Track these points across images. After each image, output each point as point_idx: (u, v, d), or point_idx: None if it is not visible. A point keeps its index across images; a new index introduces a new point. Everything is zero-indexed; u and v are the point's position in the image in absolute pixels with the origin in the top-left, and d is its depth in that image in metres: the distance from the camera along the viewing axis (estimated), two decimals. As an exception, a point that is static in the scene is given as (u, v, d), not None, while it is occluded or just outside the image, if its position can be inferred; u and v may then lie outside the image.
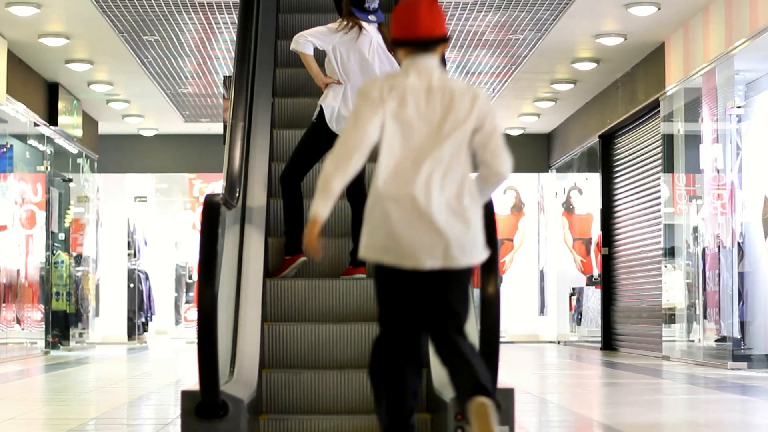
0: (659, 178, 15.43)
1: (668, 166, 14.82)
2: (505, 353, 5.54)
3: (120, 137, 21.59)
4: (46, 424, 7.59)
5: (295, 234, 7.21)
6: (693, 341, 13.87)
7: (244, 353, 6.40)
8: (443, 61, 4.94)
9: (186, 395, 5.51)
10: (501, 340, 5.66)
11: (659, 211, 15.51)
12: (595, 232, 18.84)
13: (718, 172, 12.99)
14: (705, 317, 13.33)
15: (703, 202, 13.61)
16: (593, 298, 18.93)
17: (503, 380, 5.75)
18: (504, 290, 20.76)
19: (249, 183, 7.50)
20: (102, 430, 7.24)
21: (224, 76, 15.24)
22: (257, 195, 7.48)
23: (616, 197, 18.02)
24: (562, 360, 16.06)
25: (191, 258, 24.11)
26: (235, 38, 10.13)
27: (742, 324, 12.69)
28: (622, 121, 16.99)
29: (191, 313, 23.73)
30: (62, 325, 17.60)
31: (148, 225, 23.10)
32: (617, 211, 18.00)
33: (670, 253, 14.92)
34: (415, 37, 4.39)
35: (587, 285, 19.48)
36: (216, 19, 13.70)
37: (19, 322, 15.28)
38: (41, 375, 12.48)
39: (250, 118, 7.92)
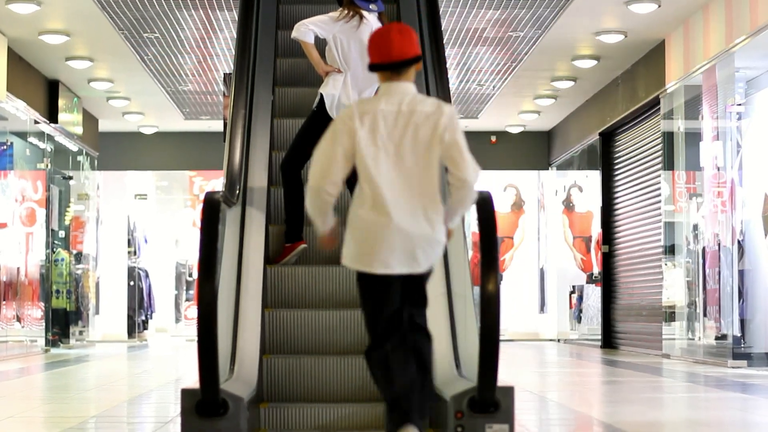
0: (659, 176, 15.42)
1: (668, 164, 14.82)
2: (505, 351, 5.54)
3: (120, 135, 21.59)
4: (46, 422, 7.59)
5: (296, 221, 7.25)
6: (693, 339, 13.87)
7: (245, 352, 6.40)
8: (422, 63, 5.34)
9: (186, 393, 5.51)
10: (501, 338, 5.65)
11: (659, 208, 15.50)
12: (596, 230, 18.84)
13: (718, 169, 12.99)
14: (705, 315, 13.33)
15: (703, 200, 13.61)
16: (593, 296, 18.93)
17: (503, 378, 5.74)
18: (504, 288, 20.76)
19: (250, 171, 7.55)
20: (102, 428, 7.24)
21: (224, 74, 15.24)
22: (258, 183, 7.52)
23: (617, 195, 18.02)
24: (562, 358, 16.06)
25: (191, 256, 24.10)
26: (235, 35, 10.13)
27: (742, 322, 12.69)
28: (622, 118, 16.99)
29: (191, 311, 23.73)
30: (62, 322, 17.60)
31: (148, 222, 23.10)
32: (617, 209, 18.00)
33: (670, 250, 14.91)
34: (389, 60, 4.80)
35: (587, 283, 19.48)
36: (216, 17, 13.69)
37: (19, 319, 15.28)
38: (41, 373, 12.48)
39: (251, 109, 7.95)
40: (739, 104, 12.86)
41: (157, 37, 14.61)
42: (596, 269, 18.83)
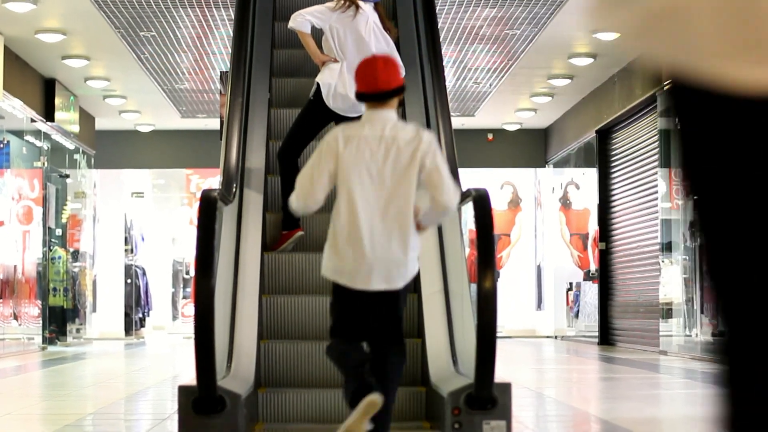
0: (656, 173, 15.44)
1: (665, 161, 14.83)
2: (502, 348, 5.55)
3: (117, 133, 21.59)
4: (43, 419, 7.60)
5: None
6: (690, 336, 13.88)
7: (242, 348, 6.41)
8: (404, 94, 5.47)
9: (183, 390, 5.52)
10: (498, 335, 5.67)
11: (656, 206, 15.52)
12: (592, 227, 18.85)
13: (714, 166, 13.00)
14: (702, 312, 13.34)
15: (699, 197, 13.61)
16: (590, 293, 18.95)
17: (500, 375, 5.75)
18: (501, 285, 20.77)
19: (247, 159, 7.60)
20: (99, 425, 7.25)
21: (221, 72, 15.25)
22: (255, 172, 7.58)
23: (613, 192, 18.03)
24: (560, 355, 16.08)
25: (188, 254, 24.10)
26: (231, 34, 10.14)
27: (739, 319, 12.69)
28: (619, 116, 17.00)
29: (188, 308, 23.73)
30: (59, 320, 17.60)
31: (145, 221, 23.10)
32: (614, 206, 18.01)
33: (667, 248, 14.92)
34: (376, 90, 5.08)
35: (584, 280, 19.49)
36: (213, 15, 13.69)
37: (16, 317, 15.28)
38: (39, 370, 12.49)
39: (247, 100, 7.99)
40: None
41: (154, 36, 14.61)
42: (593, 266, 18.84)
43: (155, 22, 13.91)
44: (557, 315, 21.09)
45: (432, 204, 5.02)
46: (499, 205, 22.15)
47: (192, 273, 20.69)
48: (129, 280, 21.14)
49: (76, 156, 18.94)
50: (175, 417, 5.72)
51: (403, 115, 8.36)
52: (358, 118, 6.20)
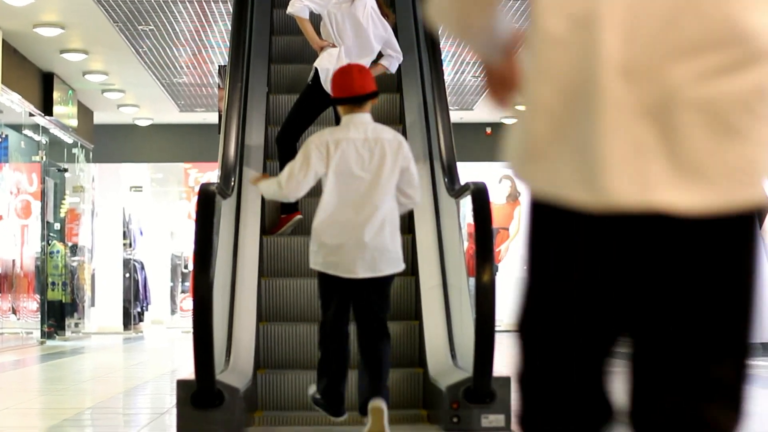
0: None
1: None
2: (501, 342, 5.54)
3: (115, 127, 21.57)
4: (42, 413, 7.60)
5: None
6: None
7: (240, 342, 6.41)
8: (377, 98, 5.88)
9: (182, 384, 5.52)
10: (497, 328, 5.66)
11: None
12: (591, 221, 18.84)
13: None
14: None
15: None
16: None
17: (499, 369, 5.75)
18: (500, 279, 20.75)
19: (246, 144, 7.63)
20: (98, 420, 7.25)
21: (219, 66, 15.23)
22: (254, 158, 7.62)
23: (612, 186, 18.03)
24: (558, 349, 16.07)
25: (187, 248, 24.08)
26: (230, 27, 10.14)
27: (738, 312, 12.71)
28: (617, 109, 16.99)
29: (187, 303, 23.73)
30: (58, 315, 17.59)
31: (143, 215, 23.08)
32: (613, 200, 18.01)
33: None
34: (352, 95, 5.56)
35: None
36: (211, 9, 13.68)
37: (14, 312, 15.28)
38: (37, 365, 12.48)
39: (246, 84, 8.01)
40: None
41: (152, 30, 14.60)
42: (592, 260, 18.84)
43: (154, 15, 13.89)
44: (556, 309, 21.09)
45: (405, 200, 5.56)
46: (497, 199, 22.15)
47: (190, 267, 20.70)
48: (127, 275, 21.13)
49: (75, 150, 18.92)
50: (174, 411, 5.73)
51: (401, 108, 8.36)
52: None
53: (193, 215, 5.83)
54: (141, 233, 22.42)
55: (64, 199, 18.35)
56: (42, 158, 16.80)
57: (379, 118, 8.46)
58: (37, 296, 16.37)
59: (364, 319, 5.54)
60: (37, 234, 16.54)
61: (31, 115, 16.30)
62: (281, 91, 8.54)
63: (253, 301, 6.72)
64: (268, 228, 7.43)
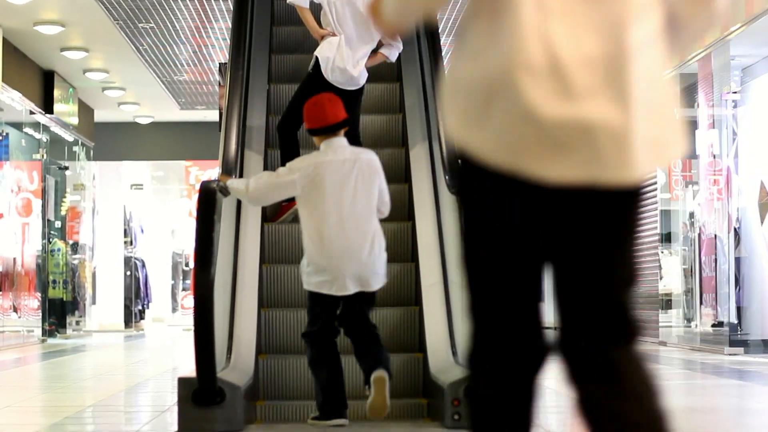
0: (655, 164, 15.42)
1: (664, 152, 14.80)
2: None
3: (116, 125, 21.57)
4: (43, 411, 7.60)
5: None
6: (690, 327, 13.88)
7: (241, 339, 6.41)
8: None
9: (183, 382, 5.52)
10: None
11: (656, 196, 15.51)
12: (592, 218, 18.82)
13: (714, 157, 12.99)
14: (702, 303, 13.34)
15: (699, 188, 13.61)
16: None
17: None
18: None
19: (247, 133, 7.65)
20: (99, 418, 7.25)
21: (219, 64, 15.22)
22: (255, 145, 7.64)
23: (613, 183, 18.00)
24: (559, 346, 16.07)
25: (188, 245, 24.09)
26: (230, 25, 10.15)
27: (739, 309, 12.71)
28: (618, 107, 16.97)
29: (188, 300, 23.73)
30: (59, 313, 17.60)
31: (144, 213, 23.09)
32: (614, 197, 17.98)
33: (666, 238, 14.92)
34: (326, 125, 5.88)
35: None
36: (211, 7, 13.68)
37: (15, 310, 15.28)
38: (38, 363, 12.49)
39: (247, 76, 8.01)
40: (735, 92, 12.86)
41: (153, 27, 14.59)
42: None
43: (154, 13, 13.89)
44: (556, 306, 21.07)
45: (377, 215, 5.91)
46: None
47: (191, 265, 20.70)
48: (128, 272, 21.13)
49: (75, 148, 18.93)
50: (175, 409, 5.73)
51: (401, 97, 8.38)
52: (355, 92, 7.45)
53: (194, 213, 5.83)
54: (142, 231, 22.43)
55: (64, 197, 18.36)
56: (43, 156, 16.80)
57: (379, 107, 8.50)
58: (38, 294, 16.37)
59: (350, 321, 5.86)
60: (38, 232, 16.54)
61: (31, 113, 16.30)
62: (283, 81, 8.57)
63: (254, 291, 6.74)
64: (269, 215, 7.45)
